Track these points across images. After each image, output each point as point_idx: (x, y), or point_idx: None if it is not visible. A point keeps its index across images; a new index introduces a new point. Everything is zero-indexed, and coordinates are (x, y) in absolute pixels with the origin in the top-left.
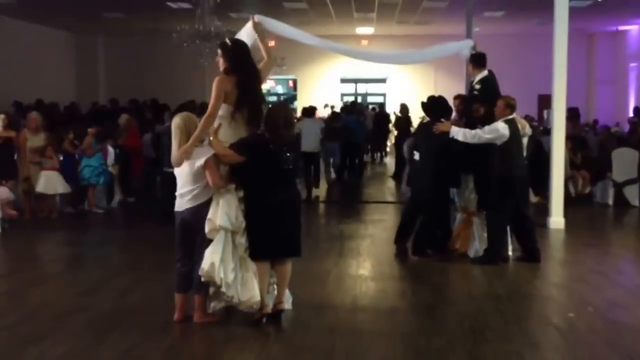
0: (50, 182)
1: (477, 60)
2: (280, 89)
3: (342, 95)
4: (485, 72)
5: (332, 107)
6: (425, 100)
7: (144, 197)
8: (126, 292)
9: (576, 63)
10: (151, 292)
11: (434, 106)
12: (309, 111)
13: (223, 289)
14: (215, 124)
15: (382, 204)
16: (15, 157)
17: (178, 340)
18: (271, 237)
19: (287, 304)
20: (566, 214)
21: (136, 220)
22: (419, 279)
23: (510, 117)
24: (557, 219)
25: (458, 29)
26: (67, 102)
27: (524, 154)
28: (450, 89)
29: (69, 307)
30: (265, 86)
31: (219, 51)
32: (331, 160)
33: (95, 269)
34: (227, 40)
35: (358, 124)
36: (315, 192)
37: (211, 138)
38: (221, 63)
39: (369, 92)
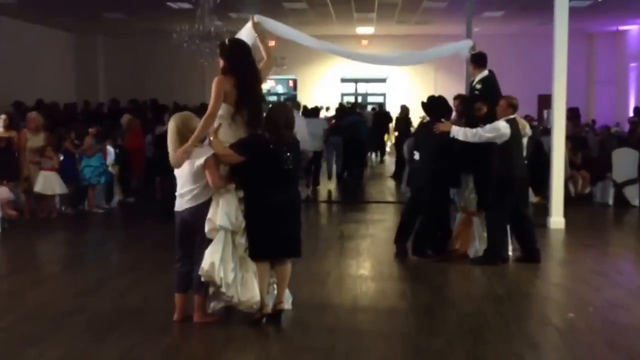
0: (48, 183)
1: (478, 60)
2: (280, 89)
3: (342, 95)
4: (485, 72)
5: (327, 108)
6: (425, 100)
7: (144, 197)
8: (126, 292)
9: (576, 63)
10: (151, 292)
11: (434, 106)
12: (314, 111)
13: (223, 289)
14: (216, 124)
15: (382, 204)
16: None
17: (178, 340)
18: (271, 237)
19: (287, 304)
20: (566, 214)
21: (136, 220)
22: (419, 279)
23: (512, 116)
24: (557, 219)
25: (458, 29)
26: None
27: (524, 154)
28: (450, 89)
29: (68, 307)
30: (265, 86)
31: (219, 51)
32: (334, 157)
33: (94, 269)
34: (226, 41)
35: (361, 122)
36: (311, 191)
37: (211, 138)
38: (220, 63)
39: (369, 92)
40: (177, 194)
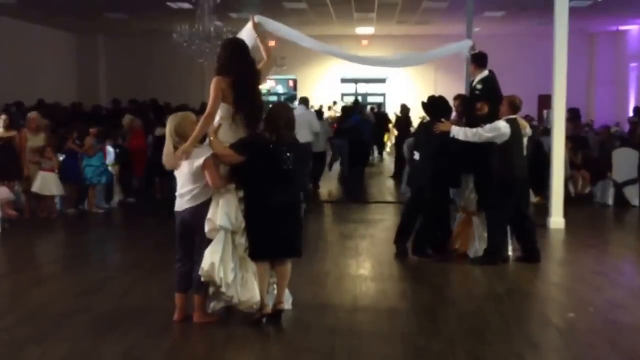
0: (46, 183)
1: (479, 59)
2: (280, 89)
3: (342, 95)
4: (485, 72)
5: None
6: (425, 100)
7: (144, 197)
8: (126, 292)
9: (576, 63)
10: (151, 292)
11: (434, 106)
12: (317, 113)
13: (223, 289)
14: (216, 124)
15: (382, 204)
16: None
17: (178, 340)
18: (271, 237)
19: (287, 304)
20: (566, 214)
21: (136, 220)
22: (419, 279)
23: (512, 116)
24: (557, 219)
25: (458, 29)
26: (67, 102)
27: (524, 154)
28: (450, 89)
29: (68, 307)
30: (265, 86)
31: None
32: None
33: (95, 269)
34: (224, 41)
35: (363, 122)
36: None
37: (211, 138)
38: None
39: (368, 92)
40: (177, 194)
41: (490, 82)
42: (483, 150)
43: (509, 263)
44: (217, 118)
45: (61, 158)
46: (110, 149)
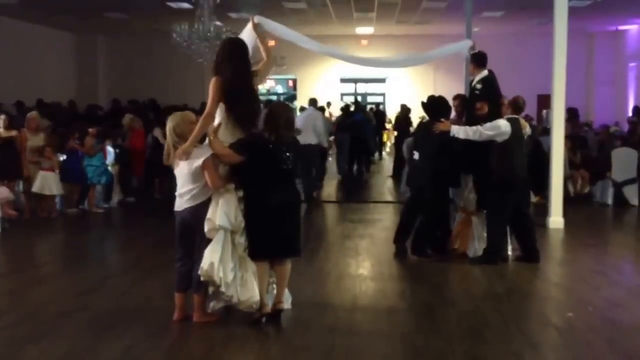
0: (46, 183)
1: (479, 59)
2: (280, 89)
3: (342, 95)
4: (485, 72)
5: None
6: (425, 100)
7: (144, 197)
8: (126, 292)
9: (575, 63)
10: (151, 291)
11: (434, 106)
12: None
13: (222, 289)
14: (215, 124)
15: (382, 204)
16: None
17: (177, 340)
18: (270, 237)
19: (287, 303)
20: (565, 214)
21: (136, 220)
22: (419, 278)
23: (514, 116)
24: (556, 219)
25: (458, 28)
26: (67, 102)
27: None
28: (450, 88)
29: (68, 306)
30: (265, 86)
31: None
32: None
33: (95, 268)
34: (222, 41)
35: (365, 121)
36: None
37: (211, 138)
38: None
39: (368, 92)
40: (176, 193)
41: (490, 82)
42: (483, 150)
43: (509, 263)
44: (217, 118)
45: (61, 158)
46: (110, 149)
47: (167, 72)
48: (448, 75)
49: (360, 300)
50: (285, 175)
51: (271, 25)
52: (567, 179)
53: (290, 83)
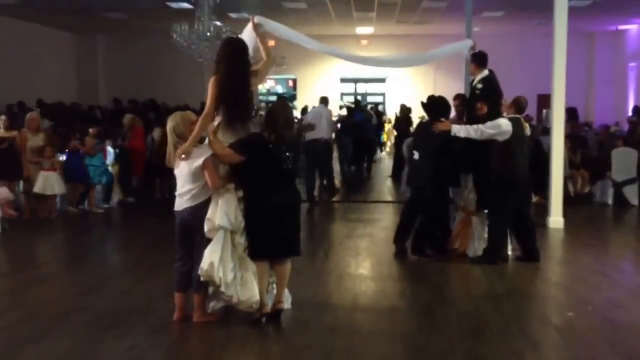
0: (48, 183)
1: (480, 59)
2: (280, 89)
3: (342, 95)
4: (486, 72)
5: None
6: (425, 100)
7: (144, 197)
8: (126, 292)
9: (576, 62)
10: (151, 291)
11: (434, 106)
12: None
13: (222, 289)
14: (216, 124)
15: (381, 204)
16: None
17: (177, 340)
18: (270, 236)
19: (287, 303)
20: (565, 214)
21: (136, 219)
22: (419, 278)
23: (516, 116)
24: (556, 219)
25: (457, 28)
26: (67, 102)
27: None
28: (450, 88)
29: (68, 306)
30: (265, 86)
31: None
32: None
33: (95, 268)
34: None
35: (367, 120)
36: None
37: (210, 138)
38: None
39: (368, 91)
40: (176, 193)
41: (491, 82)
42: (483, 149)
43: (509, 262)
44: (217, 118)
45: (61, 158)
46: (110, 149)
47: (167, 72)
48: (448, 75)
49: (361, 300)
50: (285, 175)
51: (271, 25)
52: (567, 179)
53: (290, 83)
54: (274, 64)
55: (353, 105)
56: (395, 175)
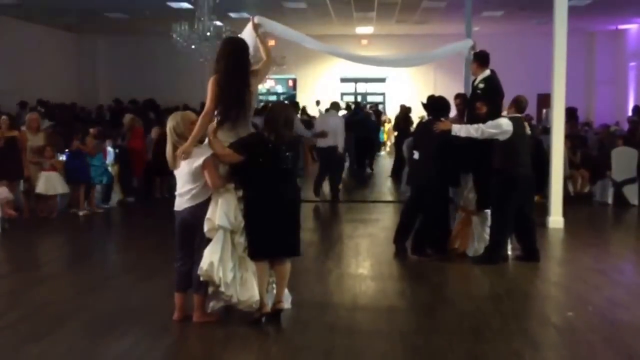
0: (49, 183)
1: (482, 59)
2: (280, 89)
3: (342, 94)
4: (487, 72)
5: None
6: (425, 100)
7: (144, 196)
8: (126, 292)
9: (576, 62)
10: (151, 291)
11: (434, 105)
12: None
13: (222, 289)
14: (215, 123)
15: (381, 203)
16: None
17: (177, 340)
18: (270, 236)
19: (287, 303)
20: (565, 213)
21: (136, 220)
22: (419, 278)
23: (517, 115)
24: (556, 218)
25: (457, 28)
26: (68, 102)
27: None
28: (450, 88)
29: (68, 306)
30: (265, 85)
31: None
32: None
33: (95, 268)
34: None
35: (368, 119)
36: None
37: (210, 138)
38: None
39: (368, 91)
40: (176, 193)
41: (492, 82)
42: (483, 149)
43: (509, 262)
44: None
45: (61, 158)
46: (110, 149)
47: (167, 72)
48: (448, 75)
49: (361, 300)
50: (285, 175)
51: (271, 25)
52: (567, 179)
53: (290, 83)
54: (274, 64)
55: (354, 105)
56: (396, 175)
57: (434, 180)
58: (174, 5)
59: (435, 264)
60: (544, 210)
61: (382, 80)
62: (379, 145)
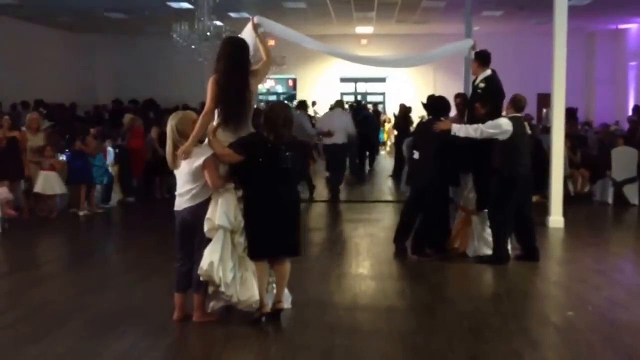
0: (48, 183)
1: (483, 58)
2: (279, 88)
3: (342, 94)
4: (488, 71)
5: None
6: (425, 100)
7: (144, 196)
8: (126, 292)
9: (576, 62)
10: (151, 291)
11: (434, 105)
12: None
13: (222, 289)
14: (215, 123)
15: (381, 203)
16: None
17: (177, 340)
18: (270, 236)
19: (286, 303)
20: (565, 213)
21: (136, 220)
22: (418, 278)
23: (517, 114)
24: (556, 218)
25: (457, 28)
26: (67, 102)
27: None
28: (450, 88)
29: (68, 306)
30: (265, 85)
31: None
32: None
33: (95, 268)
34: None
35: (370, 118)
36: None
37: (210, 137)
38: None
39: (368, 91)
40: (176, 193)
41: (493, 81)
42: (483, 149)
43: (508, 262)
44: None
45: (61, 158)
46: (110, 149)
47: (167, 72)
48: (448, 75)
49: (360, 300)
50: (284, 175)
51: (271, 25)
52: (567, 178)
53: (290, 82)
54: (274, 64)
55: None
56: (396, 175)
57: (433, 180)
58: (174, 5)
59: (435, 264)
60: (544, 209)
61: (382, 80)
62: (378, 145)
